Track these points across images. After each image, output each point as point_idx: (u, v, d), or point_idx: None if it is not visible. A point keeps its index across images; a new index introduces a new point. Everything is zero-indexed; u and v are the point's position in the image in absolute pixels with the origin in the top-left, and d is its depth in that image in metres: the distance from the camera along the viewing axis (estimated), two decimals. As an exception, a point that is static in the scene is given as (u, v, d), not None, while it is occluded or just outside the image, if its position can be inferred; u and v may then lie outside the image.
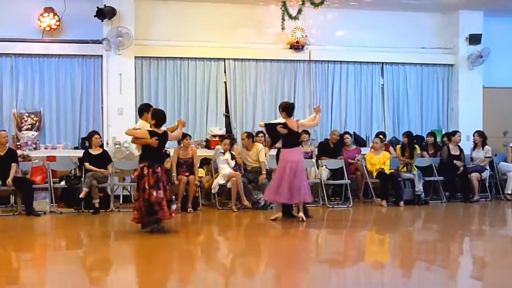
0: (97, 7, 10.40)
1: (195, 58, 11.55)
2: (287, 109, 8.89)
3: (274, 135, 9.01)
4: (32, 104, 10.92)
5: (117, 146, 10.53)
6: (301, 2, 10.99)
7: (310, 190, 9.10)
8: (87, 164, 9.87)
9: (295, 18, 11.28)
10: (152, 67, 11.43)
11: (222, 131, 11.51)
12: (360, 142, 11.99)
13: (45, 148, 10.77)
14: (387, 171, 10.72)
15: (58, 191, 10.12)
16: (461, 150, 11.43)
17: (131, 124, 9.42)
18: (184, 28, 11.35)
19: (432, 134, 11.89)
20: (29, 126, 10.71)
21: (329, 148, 11.30)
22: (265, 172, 10.29)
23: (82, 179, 9.78)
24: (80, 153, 10.31)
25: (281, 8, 11.30)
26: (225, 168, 10.23)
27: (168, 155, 9.95)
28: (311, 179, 10.32)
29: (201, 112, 11.62)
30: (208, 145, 11.34)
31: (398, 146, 11.30)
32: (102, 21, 10.57)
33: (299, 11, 11.16)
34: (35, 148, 10.62)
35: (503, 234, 8.68)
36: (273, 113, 11.52)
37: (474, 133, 11.56)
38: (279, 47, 11.81)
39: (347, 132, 11.66)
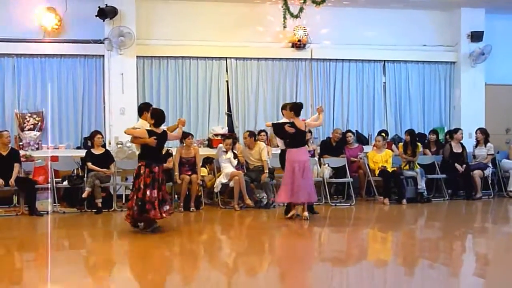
0: (99, 7, 10.40)
1: (197, 57, 11.53)
2: (296, 108, 8.90)
3: (282, 135, 9.02)
4: (34, 104, 10.91)
5: (119, 145, 10.54)
6: (302, 1, 10.95)
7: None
8: (89, 164, 9.89)
9: (297, 16, 11.25)
10: (154, 67, 11.42)
11: (224, 130, 11.49)
12: (362, 140, 11.97)
13: (48, 148, 10.77)
14: (390, 169, 10.71)
15: (61, 191, 10.12)
16: (463, 147, 11.42)
17: (133, 124, 9.41)
18: (185, 27, 11.34)
19: (434, 131, 11.86)
20: (31, 126, 10.71)
21: (332, 147, 11.29)
22: (267, 171, 10.27)
23: (85, 179, 9.78)
24: (82, 153, 10.31)
25: (282, 7, 11.26)
26: (228, 167, 10.24)
27: (171, 155, 9.97)
28: (313, 177, 10.30)
29: (203, 111, 11.61)
30: (210, 144, 11.32)
31: (401, 144, 11.29)
32: (104, 20, 10.58)
33: (301, 9, 11.12)
34: (37, 148, 10.61)
35: (505, 231, 8.67)
36: (275, 112, 11.51)
37: (476, 131, 11.54)
38: (281, 45, 11.79)
39: (349, 130, 11.63)
